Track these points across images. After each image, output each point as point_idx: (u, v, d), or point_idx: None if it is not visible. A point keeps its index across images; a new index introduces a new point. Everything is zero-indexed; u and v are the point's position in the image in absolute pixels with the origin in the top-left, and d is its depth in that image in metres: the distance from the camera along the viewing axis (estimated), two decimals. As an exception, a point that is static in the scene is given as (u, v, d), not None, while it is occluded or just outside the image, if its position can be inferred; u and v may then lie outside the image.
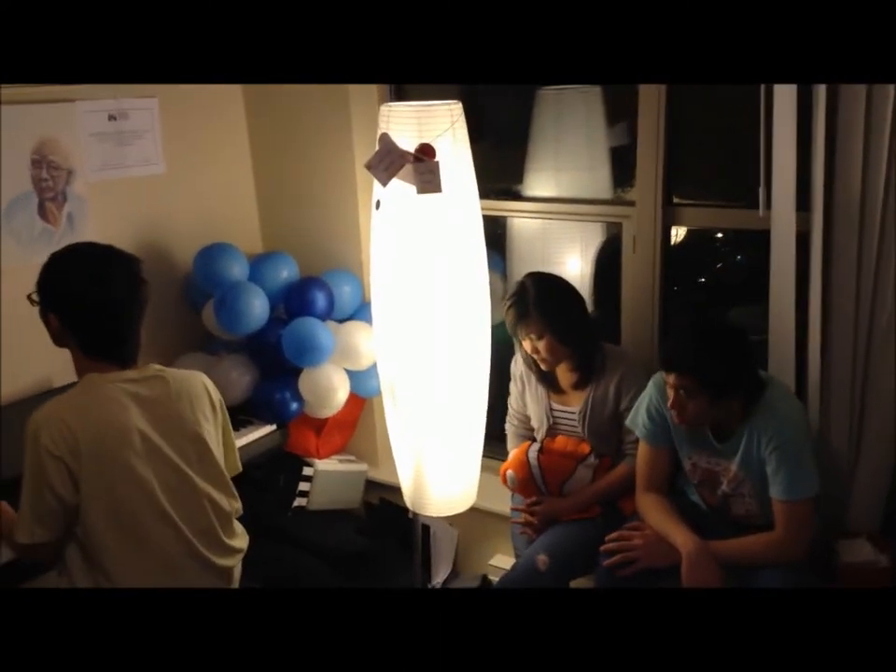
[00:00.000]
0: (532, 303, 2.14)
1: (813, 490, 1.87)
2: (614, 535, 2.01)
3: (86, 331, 1.67)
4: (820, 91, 1.86)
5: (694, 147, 2.32)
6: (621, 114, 2.42)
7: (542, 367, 2.22)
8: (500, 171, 2.67)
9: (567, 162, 2.58)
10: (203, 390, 1.82)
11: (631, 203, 2.34)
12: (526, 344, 2.20)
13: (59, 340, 1.70)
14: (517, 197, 2.65)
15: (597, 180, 2.55)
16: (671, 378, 1.89)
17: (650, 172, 2.27)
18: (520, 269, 2.63)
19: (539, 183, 2.63)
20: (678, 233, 2.41)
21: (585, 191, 2.55)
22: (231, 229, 2.74)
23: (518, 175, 2.64)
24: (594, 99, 2.50)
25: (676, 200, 2.31)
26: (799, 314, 2.04)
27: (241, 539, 1.91)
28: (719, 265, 2.59)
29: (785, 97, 1.90)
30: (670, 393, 1.92)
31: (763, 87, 1.94)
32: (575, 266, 2.64)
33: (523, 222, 2.71)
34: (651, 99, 2.21)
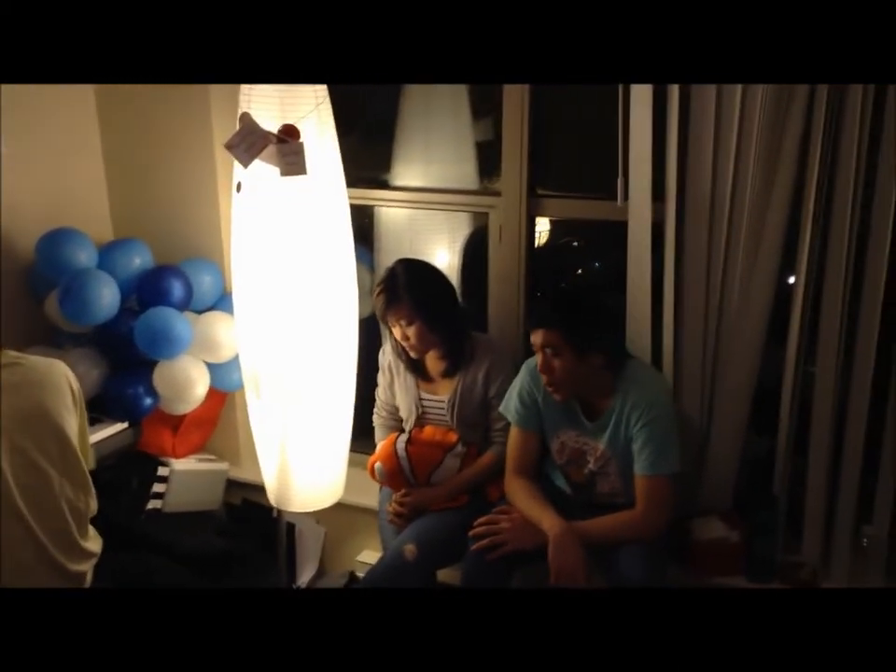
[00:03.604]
0: (402, 288, 2.12)
1: (675, 467, 1.95)
2: (482, 519, 2.02)
3: None
4: (674, 86, 1.95)
5: (556, 141, 2.38)
6: (486, 106, 2.45)
7: (412, 354, 2.21)
8: (368, 162, 2.64)
9: (435, 154, 2.59)
10: (64, 380, 1.72)
11: (497, 194, 2.38)
12: (396, 331, 2.19)
13: None
14: (385, 186, 2.63)
15: (465, 172, 2.56)
16: (538, 337, 1.95)
17: (514, 163, 2.31)
18: (387, 261, 2.59)
19: (408, 174, 2.62)
20: (543, 229, 2.46)
21: (453, 182, 2.56)
22: (77, 213, 2.55)
23: (386, 167, 2.62)
24: (460, 92, 2.52)
25: (540, 192, 2.36)
26: (655, 300, 2.12)
27: (95, 542, 1.82)
28: (579, 268, 2.68)
29: (641, 91, 1.97)
30: (539, 357, 1.97)
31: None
32: (443, 258, 2.65)
33: (390, 214, 2.69)
34: (515, 92, 2.25)
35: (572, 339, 1.92)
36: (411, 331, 2.14)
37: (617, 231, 2.14)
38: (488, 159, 2.45)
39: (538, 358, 1.98)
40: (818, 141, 1.86)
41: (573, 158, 2.43)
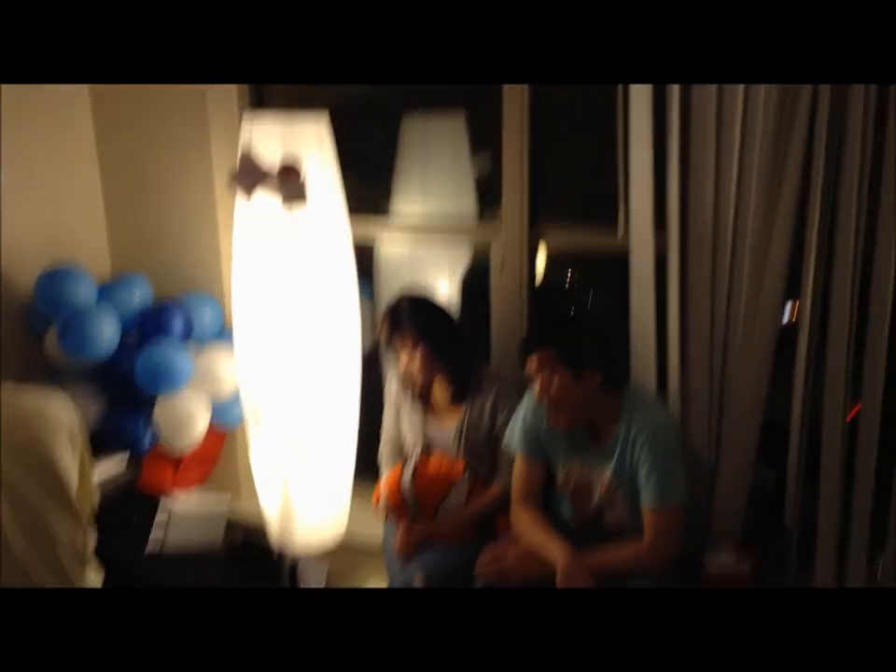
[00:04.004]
0: (406, 314, 2.16)
1: (681, 497, 1.92)
2: (489, 550, 1.99)
3: None
4: (674, 114, 1.95)
5: (557, 171, 2.39)
6: (484, 141, 2.46)
7: (417, 381, 2.22)
8: (369, 195, 2.64)
9: (434, 188, 2.60)
10: (61, 416, 1.70)
11: (498, 226, 2.37)
12: (401, 358, 2.19)
13: None
14: (386, 219, 2.62)
15: (465, 204, 2.57)
16: (532, 363, 1.95)
17: (515, 195, 2.31)
18: (388, 294, 2.60)
19: (409, 206, 2.62)
20: (544, 260, 2.46)
21: (454, 214, 2.57)
22: (77, 248, 2.55)
23: (386, 199, 2.63)
24: (459, 126, 2.53)
25: (541, 223, 2.35)
26: (659, 329, 2.11)
27: (94, 581, 1.77)
28: (582, 299, 2.68)
29: (641, 121, 1.98)
30: (536, 383, 1.96)
31: (620, 111, 2.02)
32: (444, 290, 2.65)
33: (390, 249, 2.69)
34: (515, 123, 2.26)
35: (565, 356, 1.91)
36: (415, 356, 2.16)
37: (620, 262, 2.13)
38: (489, 190, 2.46)
39: (536, 386, 1.97)
40: (819, 165, 1.87)
41: (574, 188, 2.44)
